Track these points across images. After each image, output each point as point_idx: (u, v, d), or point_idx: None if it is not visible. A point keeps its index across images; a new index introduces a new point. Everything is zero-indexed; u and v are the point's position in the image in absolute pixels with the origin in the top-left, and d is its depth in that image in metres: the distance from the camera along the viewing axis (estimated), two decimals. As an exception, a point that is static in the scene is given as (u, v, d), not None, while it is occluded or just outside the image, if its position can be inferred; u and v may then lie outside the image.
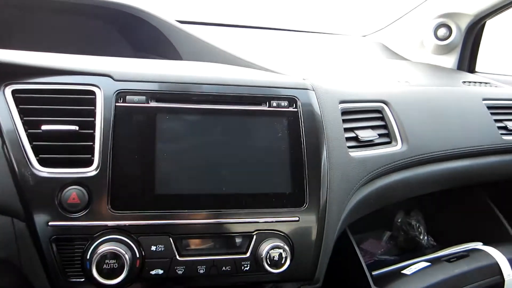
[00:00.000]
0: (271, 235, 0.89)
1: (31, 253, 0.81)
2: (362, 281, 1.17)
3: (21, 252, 0.82)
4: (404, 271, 1.23)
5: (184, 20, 1.32)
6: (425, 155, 1.19)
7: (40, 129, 0.81)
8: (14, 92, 0.83)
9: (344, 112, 1.08)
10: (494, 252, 1.31)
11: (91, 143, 0.83)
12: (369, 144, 1.11)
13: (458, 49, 1.83)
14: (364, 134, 1.10)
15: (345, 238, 1.21)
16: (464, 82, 1.58)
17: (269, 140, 0.92)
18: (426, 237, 1.63)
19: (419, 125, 1.21)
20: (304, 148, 0.93)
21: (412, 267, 1.24)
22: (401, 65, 1.71)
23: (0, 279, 0.86)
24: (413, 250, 1.60)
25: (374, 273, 1.26)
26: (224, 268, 0.87)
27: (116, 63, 0.96)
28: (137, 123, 0.86)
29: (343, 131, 1.04)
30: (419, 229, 1.62)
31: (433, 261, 1.28)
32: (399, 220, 1.66)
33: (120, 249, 0.79)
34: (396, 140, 1.15)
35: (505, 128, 1.41)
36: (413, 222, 1.63)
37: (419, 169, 1.20)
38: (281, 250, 0.87)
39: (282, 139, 0.92)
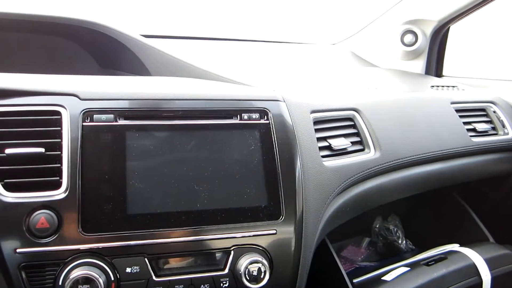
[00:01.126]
0: (249, 249, 0.87)
1: (-2, 282, 0.78)
2: (343, 290, 1.17)
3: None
4: (384, 278, 1.22)
5: (149, 34, 1.30)
6: (398, 160, 1.20)
7: (4, 153, 0.78)
8: (-27, 116, 0.80)
9: (316, 122, 1.08)
10: (471, 253, 1.32)
11: (59, 165, 0.81)
12: (343, 152, 1.11)
13: (425, 54, 1.87)
14: (337, 143, 1.10)
15: (324, 248, 1.20)
16: (432, 86, 1.60)
17: (242, 154, 0.91)
18: (404, 241, 1.64)
19: (391, 131, 1.22)
20: (277, 160, 0.92)
21: (392, 273, 1.24)
22: (371, 72, 1.73)
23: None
24: (393, 255, 1.61)
25: (355, 280, 1.25)
26: (202, 286, 0.84)
27: (81, 82, 0.93)
28: (106, 142, 0.83)
29: (316, 141, 1.04)
30: (397, 234, 1.63)
31: (412, 266, 1.28)
32: (377, 226, 1.67)
33: (94, 273, 0.76)
34: (369, 147, 1.16)
35: (473, 130, 1.44)
36: (391, 227, 1.64)
37: (393, 175, 1.21)
38: (259, 265, 0.85)
39: (255, 151, 0.91)
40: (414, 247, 1.65)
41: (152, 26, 1.79)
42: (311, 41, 2.10)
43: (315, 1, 2.42)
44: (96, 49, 1.30)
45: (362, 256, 1.60)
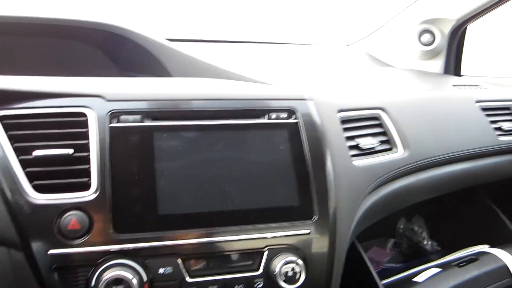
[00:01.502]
0: (283, 250, 0.85)
1: (30, 284, 0.76)
2: (374, 291, 1.14)
3: (19, 284, 0.76)
4: (415, 279, 1.19)
5: (168, 38, 1.29)
6: (426, 160, 1.18)
7: (32, 155, 0.77)
8: (1, 118, 0.79)
9: (343, 121, 1.06)
10: (502, 254, 1.29)
11: (87, 166, 0.79)
12: (371, 152, 1.09)
13: (443, 54, 1.84)
14: (365, 142, 1.08)
15: (352, 248, 1.17)
16: (455, 85, 1.58)
17: (272, 153, 0.89)
18: (430, 242, 1.61)
19: (418, 130, 1.20)
20: (308, 159, 0.90)
21: (423, 274, 1.21)
22: (389, 72, 1.71)
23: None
24: (419, 256, 1.58)
25: (383, 282, 1.22)
26: (236, 287, 0.83)
27: (107, 83, 0.92)
28: (134, 143, 0.82)
29: (345, 140, 1.02)
30: (422, 235, 1.60)
31: (443, 267, 1.25)
32: (401, 227, 1.64)
33: (126, 274, 0.75)
34: (396, 147, 1.14)
35: (500, 129, 1.42)
36: (416, 228, 1.61)
37: (421, 175, 1.19)
38: (294, 265, 0.83)
39: (285, 151, 0.90)
40: (439, 248, 1.62)
41: (170, 30, 1.79)
42: (325, 42, 2.08)
43: (329, 2, 2.41)
44: (115, 52, 1.29)
45: (388, 258, 1.57)
